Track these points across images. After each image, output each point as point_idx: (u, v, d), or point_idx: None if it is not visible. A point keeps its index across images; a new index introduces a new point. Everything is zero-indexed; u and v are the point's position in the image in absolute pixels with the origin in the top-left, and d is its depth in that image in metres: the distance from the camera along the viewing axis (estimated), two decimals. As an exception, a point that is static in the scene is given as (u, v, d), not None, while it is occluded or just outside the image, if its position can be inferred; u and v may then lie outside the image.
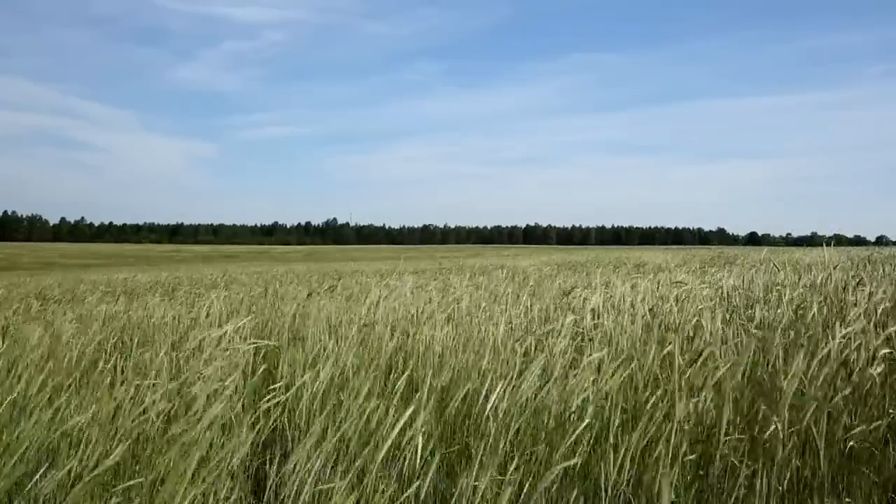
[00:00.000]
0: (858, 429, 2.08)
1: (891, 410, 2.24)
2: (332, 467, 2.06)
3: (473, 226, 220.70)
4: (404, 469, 2.09)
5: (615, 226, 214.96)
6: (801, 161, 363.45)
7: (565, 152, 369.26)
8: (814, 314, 3.00)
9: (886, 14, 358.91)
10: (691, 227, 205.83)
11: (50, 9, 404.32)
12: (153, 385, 2.48)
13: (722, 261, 13.22)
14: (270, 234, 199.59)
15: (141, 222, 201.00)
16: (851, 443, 2.09)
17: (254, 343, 2.98)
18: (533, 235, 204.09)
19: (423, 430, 2.07)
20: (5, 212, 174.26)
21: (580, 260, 19.33)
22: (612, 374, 2.27)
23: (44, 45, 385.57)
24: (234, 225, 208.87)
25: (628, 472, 2.00)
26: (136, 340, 4.04)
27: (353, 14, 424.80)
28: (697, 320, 3.00)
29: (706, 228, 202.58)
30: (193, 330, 4.00)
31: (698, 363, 2.22)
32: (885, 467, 2.11)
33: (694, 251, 33.34)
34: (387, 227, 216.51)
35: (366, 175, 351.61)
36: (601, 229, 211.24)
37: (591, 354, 2.44)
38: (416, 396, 2.23)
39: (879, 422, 2.13)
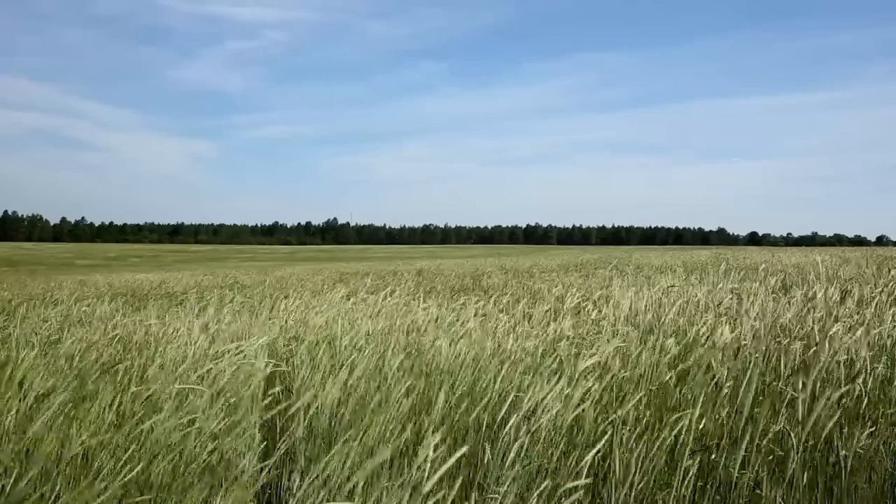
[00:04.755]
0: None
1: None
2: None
3: (474, 225, 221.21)
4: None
5: (616, 225, 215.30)
6: (801, 161, 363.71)
7: (566, 152, 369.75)
8: None
9: (889, 14, 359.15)
10: (692, 227, 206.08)
11: (52, 8, 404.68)
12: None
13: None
14: (271, 233, 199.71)
15: (141, 222, 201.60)
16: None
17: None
18: (533, 235, 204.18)
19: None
20: (5, 212, 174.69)
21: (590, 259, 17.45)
22: None
23: (45, 44, 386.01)
24: (234, 225, 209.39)
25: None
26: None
27: (356, 14, 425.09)
28: None
29: (707, 228, 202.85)
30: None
31: None
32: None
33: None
34: (387, 227, 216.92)
35: (366, 175, 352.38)
36: (602, 229, 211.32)
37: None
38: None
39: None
